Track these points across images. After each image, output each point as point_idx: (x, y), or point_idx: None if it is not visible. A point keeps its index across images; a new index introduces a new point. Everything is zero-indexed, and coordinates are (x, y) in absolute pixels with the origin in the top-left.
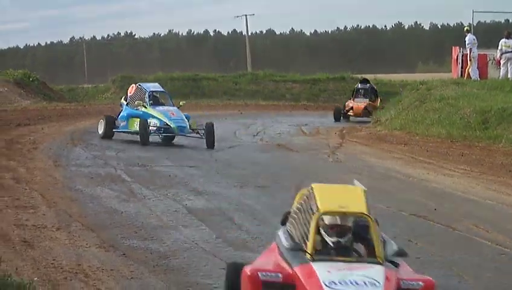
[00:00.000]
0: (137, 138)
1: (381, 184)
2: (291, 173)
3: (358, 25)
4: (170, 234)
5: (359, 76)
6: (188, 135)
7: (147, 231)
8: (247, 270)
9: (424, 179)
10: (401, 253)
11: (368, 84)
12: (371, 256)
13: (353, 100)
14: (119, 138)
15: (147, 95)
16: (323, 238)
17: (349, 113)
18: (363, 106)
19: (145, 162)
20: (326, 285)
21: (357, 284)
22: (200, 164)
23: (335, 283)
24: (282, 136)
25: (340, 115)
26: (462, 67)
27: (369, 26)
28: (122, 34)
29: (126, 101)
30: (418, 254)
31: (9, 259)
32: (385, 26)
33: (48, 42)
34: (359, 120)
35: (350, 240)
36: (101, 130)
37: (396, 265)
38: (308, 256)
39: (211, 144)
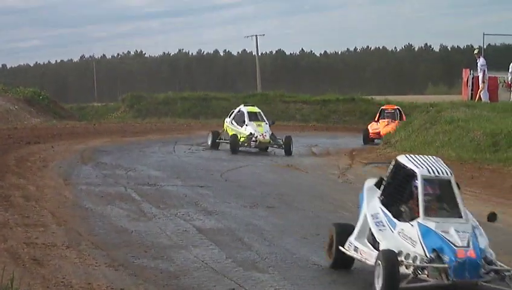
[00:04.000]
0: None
1: None
2: (301, 193)
3: (368, 46)
4: (180, 253)
5: (369, 97)
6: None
7: (157, 251)
8: None
9: None
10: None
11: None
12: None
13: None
14: (131, 158)
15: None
16: None
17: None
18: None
19: (155, 182)
20: None
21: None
22: (210, 184)
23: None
24: (292, 156)
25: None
26: (472, 90)
27: (379, 47)
28: (132, 53)
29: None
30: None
31: (20, 277)
32: (395, 47)
33: (58, 60)
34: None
35: None
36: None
37: None
38: None
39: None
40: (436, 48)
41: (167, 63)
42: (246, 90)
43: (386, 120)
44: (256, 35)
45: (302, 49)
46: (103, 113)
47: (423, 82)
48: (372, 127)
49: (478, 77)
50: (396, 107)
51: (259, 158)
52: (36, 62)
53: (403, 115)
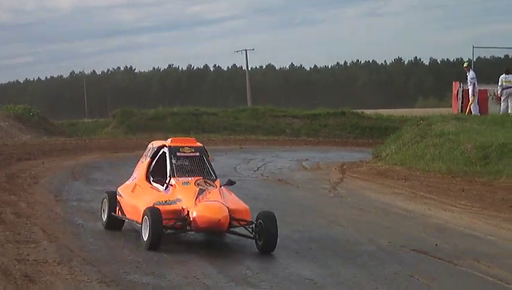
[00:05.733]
0: None
1: (382, 219)
2: (292, 208)
3: (358, 60)
4: (172, 269)
5: (359, 111)
6: None
7: (148, 266)
8: None
9: (425, 214)
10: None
11: None
12: None
13: None
14: (122, 174)
15: None
16: None
17: None
18: None
19: None
20: None
21: None
22: None
23: None
24: (282, 171)
25: None
26: (462, 103)
27: (369, 61)
28: (122, 69)
29: None
30: None
31: None
32: (385, 61)
33: (48, 77)
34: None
35: None
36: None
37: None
38: None
39: None
40: (426, 61)
41: (157, 78)
42: (236, 105)
43: None
44: (246, 50)
45: (292, 63)
46: (94, 129)
47: (413, 95)
48: None
49: (468, 89)
50: None
51: (248, 172)
52: (26, 78)
53: None
